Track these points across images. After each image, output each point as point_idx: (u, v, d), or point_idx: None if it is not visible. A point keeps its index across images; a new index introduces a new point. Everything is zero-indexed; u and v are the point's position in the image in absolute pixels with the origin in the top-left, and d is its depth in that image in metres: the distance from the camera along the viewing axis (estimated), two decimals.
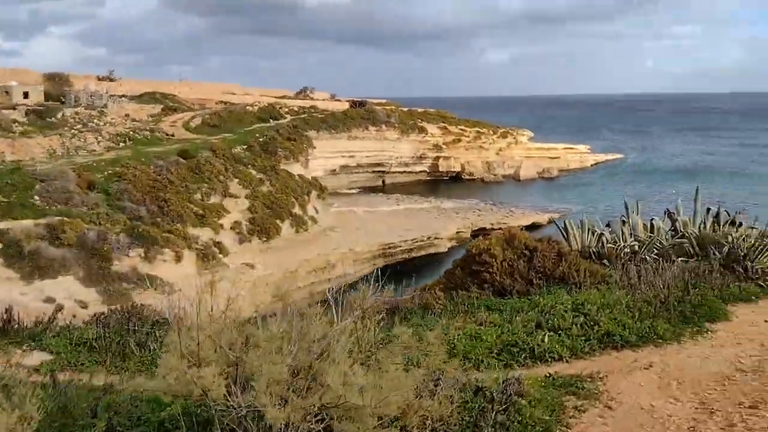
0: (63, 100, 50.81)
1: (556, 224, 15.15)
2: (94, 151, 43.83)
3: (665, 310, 9.42)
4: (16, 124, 43.20)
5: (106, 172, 40.26)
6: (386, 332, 5.22)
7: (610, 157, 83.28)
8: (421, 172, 73.31)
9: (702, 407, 6.22)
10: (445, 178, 73.73)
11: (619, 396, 6.34)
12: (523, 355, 7.57)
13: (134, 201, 39.10)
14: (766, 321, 10.14)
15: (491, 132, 76.35)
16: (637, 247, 14.03)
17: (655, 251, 13.98)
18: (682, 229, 14.51)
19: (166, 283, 34.92)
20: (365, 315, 4.45)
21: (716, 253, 13.04)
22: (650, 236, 14.28)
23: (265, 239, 44.63)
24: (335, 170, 65.12)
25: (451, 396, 4.32)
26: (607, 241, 14.23)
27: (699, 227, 14.40)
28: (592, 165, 79.38)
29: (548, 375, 6.73)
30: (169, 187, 41.53)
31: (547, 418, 5.10)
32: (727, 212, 14.96)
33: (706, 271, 12.18)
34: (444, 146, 72.64)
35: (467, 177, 73.70)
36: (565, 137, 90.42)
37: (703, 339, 8.87)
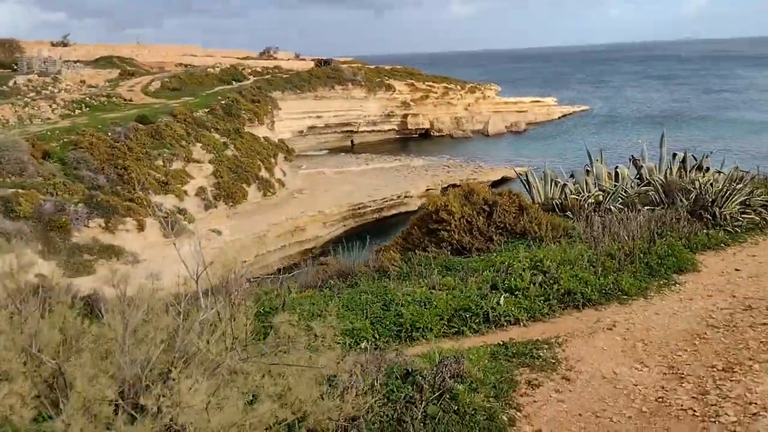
0: (15, 67, 48.48)
1: (519, 177, 14.38)
2: (49, 119, 41.98)
3: (630, 263, 8.73)
4: None
5: (61, 141, 38.57)
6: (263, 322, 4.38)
7: (576, 108, 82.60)
8: (390, 130, 72.02)
9: (671, 372, 5.53)
10: (414, 135, 72.54)
11: (578, 364, 5.63)
12: (477, 321, 6.83)
13: (92, 170, 37.59)
14: (736, 270, 9.52)
15: (459, 87, 75.02)
16: (601, 198, 13.32)
17: (620, 201, 13.31)
18: (647, 177, 13.82)
19: (130, 253, 33.81)
20: (236, 302, 3.59)
21: (683, 200, 12.38)
22: (615, 185, 13.58)
23: (231, 204, 43.47)
24: (303, 131, 63.59)
25: (372, 385, 3.51)
26: (571, 192, 13.51)
27: (665, 173, 13.73)
28: (559, 117, 78.68)
29: (501, 343, 5.99)
30: (129, 154, 39.99)
31: (491, 404, 4.33)
32: (694, 157, 14.29)
33: (673, 220, 11.54)
34: (412, 103, 71.28)
35: (436, 134, 72.59)
36: (532, 91, 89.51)
37: (671, 292, 8.21)
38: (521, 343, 6.02)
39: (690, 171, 13.65)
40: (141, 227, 34.90)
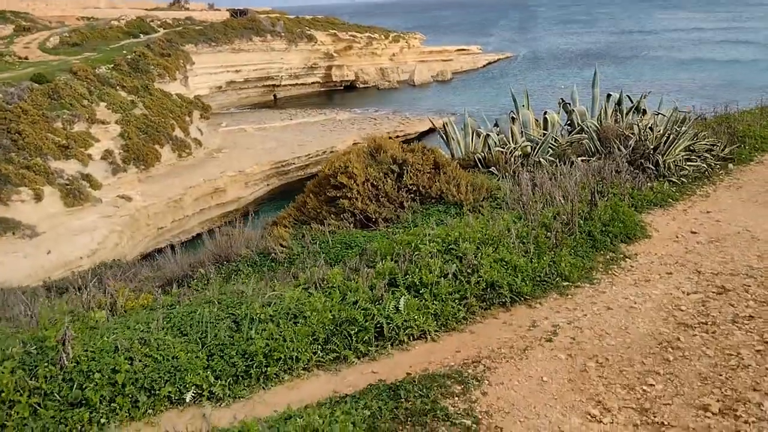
0: None
1: (437, 130, 12.24)
2: None
3: (569, 235, 6.78)
4: None
5: None
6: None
7: (501, 56, 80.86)
8: (314, 83, 68.69)
9: (645, 421, 3.59)
10: (339, 87, 69.52)
11: (508, 421, 3.63)
12: (366, 338, 4.73)
13: None
14: (693, 233, 7.71)
15: (383, 37, 71.98)
16: (529, 149, 11.36)
17: (551, 152, 11.38)
18: (579, 122, 11.91)
19: (27, 226, 30.34)
20: None
21: (621, 148, 10.53)
22: (543, 134, 11.64)
23: (143, 167, 39.92)
24: (221, 87, 59.65)
25: None
26: (495, 143, 11.48)
27: (598, 118, 11.84)
28: (484, 65, 76.82)
29: (391, 387, 3.92)
30: (23, 116, 35.84)
31: None
32: (630, 98, 12.45)
33: (613, 172, 9.67)
34: (335, 54, 67.99)
35: (362, 85, 69.76)
36: (457, 39, 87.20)
37: (621, 271, 6.29)
38: (421, 384, 3.97)
39: (626, 114, 11.84)
40: (38, 197, 31.33)
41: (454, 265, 5.49)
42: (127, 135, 40.14)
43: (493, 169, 10.71)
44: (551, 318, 5.07)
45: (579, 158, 10.77)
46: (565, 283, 5.76)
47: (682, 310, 5.18)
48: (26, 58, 43.77)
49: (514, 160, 11.09)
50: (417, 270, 5.45)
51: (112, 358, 4.17)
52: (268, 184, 45.58)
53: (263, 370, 4.31)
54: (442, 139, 11.80)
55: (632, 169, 9.97)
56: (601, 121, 11.77)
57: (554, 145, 11.64)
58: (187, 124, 45.54)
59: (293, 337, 4.56)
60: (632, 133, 10.95)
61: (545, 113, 11.91)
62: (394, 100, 64.82)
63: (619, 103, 12.02)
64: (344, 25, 71.04)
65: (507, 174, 10.50)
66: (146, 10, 59.32)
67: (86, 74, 42.10)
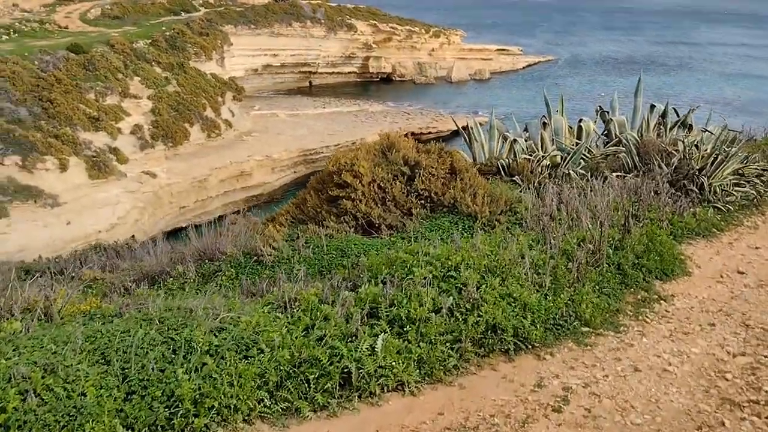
0: None
1: (460, 131, 11.17)
2: None
3: (594, 266, 5.71)
4: None
5: None
6: None
7: (542, 59, 78.72)
8: (350, 73, 67.66)
9: None
10: (375, 79, 68.37)
11: None
12: (329, 386, 3.76)
13: (13, 101, 33.14)
14: (740, 272, 6.57)
15: (423, 31, 70.52)
16: (559, 159, 10.24)
17: (582, 164, 10.24)
18: (617, 133, 10.74)
19: (49, 196, 29.96)
20: None
21: (662, 165, 9.37)
22: (576, 143, 10.50)
23: (171, 145, 39.40)
24: (257, 70, 58.94)
25: None
26: (522, 150, 10.38)
27: (640, 130, 10.66)
28: (524, 67, 74.87)
29: None
30: (57, 85, 35.51)
31: None
32: (676, 111, 11.22)
33: (651, 193, 8.53)
34: (374, 45, 66.82)
35: (398, 78, 68.50)
36: (498, 38, 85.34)
37: (655, 317, 5.20)
38: None
39: (671, 128, 10.65)
40: (63, 167, 30.92)
41: (451, 297, 4.48)
42: (158, 111, 39.64)
43: (517, 178, 9.62)
44: (563, 376, 4.05)
45: (614, 174, 9.63)
46: (585, 329, 4.72)
47: (727, 380, 4.11)
48: (66, 28, 43.58)
49: (542, 170, 9.99)
50: (405, 300, 4.45)
51: (1, 390, 3.27)
52: (294, 171, 44.82)
53: (189, 421, 3.37)
54: (465, 141, 10.74)
55: (673, 191, 8.81)
56: (641, 134, 10.58)
57: (587, 157, 10.50)
58: (219, 105, 44.94)
59: (236, 379, 3.61)
60: (676, 150, 9.76)
61: (580, 121, 10.76)
62: (429, 96, 63.55)
63: (663, 115, 10.83)
64: (385, 16, 69.79)
65: (531, 185, 9.41)
66: None
67: (123, 48, 41.70)
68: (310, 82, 65.04)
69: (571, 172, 9.53)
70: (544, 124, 11.16)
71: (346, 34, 64.70)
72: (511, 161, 9.88)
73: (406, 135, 41.70)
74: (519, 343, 4.38)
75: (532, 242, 5.75)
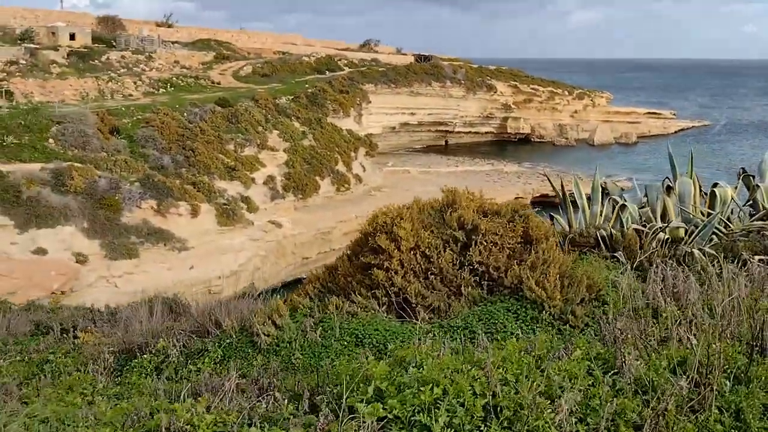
0: (114, 44, 47.28)
1: (556, 190, 9.06)
2: (131, 95, 39.97)
3: (694, 410, 3.50)
4: (55, 65, 39.79)
5: (134, 118, 36.24)
6: None
7: (696, 123, 72.71)
8: (487, 133, 66.25)
9: None
10: (513, 139, 66.37)
11: None
12: None
13: (159, 149, 34.97)
14: None
15: (566, 93, 67.88)
16: (683, 233, 7.82)
17: (715, 240, 7.75)
18: (765, 204, 8.13)
19: (178, 239, 30.70)
20: None
21: None
22: (708, 213, 8.02)
23: (301, 197, 39.68)
24: (395, 128, 59.22)
25: None
26: (633, 219, 8.07)
27: None
28: (675, 131, 69.42)
29: None
30: (200, 136, 37.16)
31: None
32: None
33: None
34: (514, 106, 65.13)
35: (537, 139, 66.03)
36: (648, 101, 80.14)
37: None
38: None
39: None
40: (195, 212, 31.72)
41: None
42: (292, 164, 40.27)
43: (620, 254, 7.35)
44: None
45: (756, 257, 7.08)
46: None
47: None
48: (219, 83, 46.05)
49: (656, 245, 7.64)
50: None
51: None
52: None
53: None
54: (560, 205, 8.64)
55: None
56: None
57: (722, 233, 7.98)
58: (351, 160, 45.07)
59: None
60: None
61: (715, 186, 8.28)
62: (568, 158, 60.40)
63: None
64: (527, 77, 68.04)
65: (642, 265, 7.12)
66: (337, 49, 60.89)
67: (266, 103, 43.21)
68: (446, 141, 64.37)
69: (695, 251, 7.11)
70: (668, 188, 8.76)
71: (486, 94, 63.63)
72: (614, 232, 7.64)
73: (539, 197, 38.99)
74: None
75: (592, 359, 3.65)
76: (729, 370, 3.90)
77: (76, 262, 27.20)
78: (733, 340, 4.31)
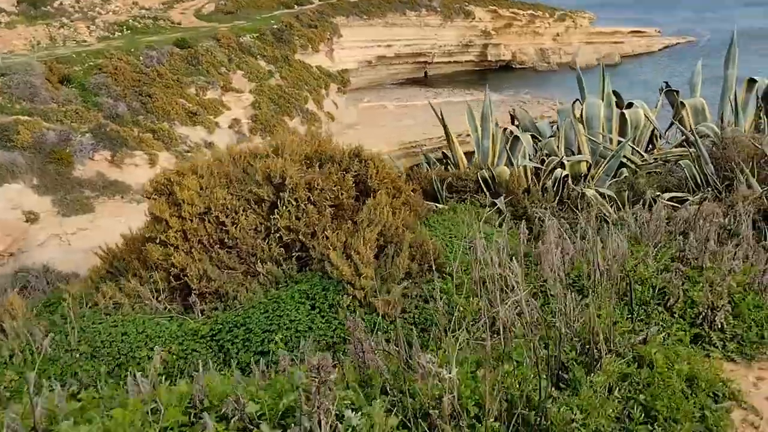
0: None
1: (443, 126, 7.42)
2: (85, 41, 37.56)
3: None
4: (3, 14, 37.24)
5: (86, 65, 34.02)
6: None
7: (681, 39, 69.51)
8: (468, 62, 63.39)
9: None
10: (494, 67, 63.58)
11: None
12: None
13: (113, 96, 32.89)
14: None
15: (547, 15, 64.55)
16: (584, 168, 6.26)
17: (624, 174, 6.20)
18: (690, 126, 6.53)
19: (136, 191, 29.13)
20: None
21: (753, 182, 5.20)
22: (614, 141, 6.44)
23: (269, 139, 37.69)
24: (371, 62, 56.45)
25: None
26: (528, 155, 6.48)
27: (724, 119, 6.37)
28: (660, 49, 66.47)
29: None
30: (157, 80, 35.01)
31: None
32: None
33: (711, 237, 4.50)
34: (493, 32, 62.00)
35: (518, 66, 63.26)
36: (633, 20, 76.59)
37: None
38: None
39: None
40: (153, 162, 30.01)
41: None
42: (258, 105, 38.27)
43: (500, 201, 5.83)
44: None
45: (667, 194, 5.54)
46: None
47: None
48: (179, 24, 43.45)
49: (553, 185, 6.09)
50: None
51: None
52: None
53: None
54: (447, 141, 7.05)
55: (757, 233, 4.67)
56: (728, 126, 6.30)
57: (636, 164, 6.41)
58: (322, 97, 42.94)
59: None
60: None
61: (627, 106, 6.64)
62: (550, 83, 58.01)
63: (766, 97, 6.44)
64: (506, 1, 64.62)
65: (534, 215, 5.60)
66: None
67: (229, 42, 40.70)
68: (425, 72, 61.72)
69: (587, 191, 5.56)
70: (579, 114, 7.12)
71: (464, 21, 60.55)
72: (496, 171, 6.08)
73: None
74: None
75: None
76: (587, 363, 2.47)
77: (26, 221, 25.75)
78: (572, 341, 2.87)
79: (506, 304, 3.66)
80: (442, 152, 7.58)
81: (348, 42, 51.51)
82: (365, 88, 55.34)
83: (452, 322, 3.50)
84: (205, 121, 35.27)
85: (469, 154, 7.89)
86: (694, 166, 5.59)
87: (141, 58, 35.84)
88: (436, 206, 6.11)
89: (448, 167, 6.89)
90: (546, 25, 63.70)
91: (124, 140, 29.97)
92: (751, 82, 6.75)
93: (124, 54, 35.32)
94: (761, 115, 6.40)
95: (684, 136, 6.26)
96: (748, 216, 4.79)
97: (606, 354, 2.82)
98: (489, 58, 62.52)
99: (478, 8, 61.33)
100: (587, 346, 2.95)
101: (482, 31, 61.58)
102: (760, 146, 5.53)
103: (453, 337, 3.09)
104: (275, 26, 44.15)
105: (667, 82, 7.47)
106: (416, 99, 53.41)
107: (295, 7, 50.81)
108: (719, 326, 3.66)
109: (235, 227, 4.56)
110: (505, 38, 62.62)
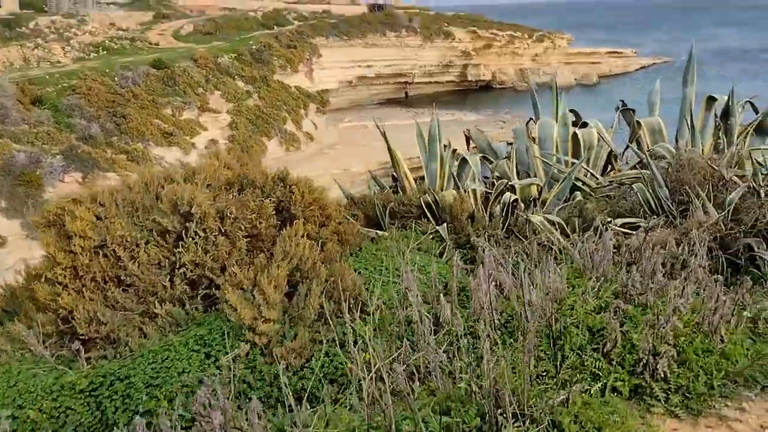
0: (45, 8, 43.91)
1: (389, 148, 7.01)
2: (59, 62, 36.98)
3: None
4: None
5: (59, 86, 33.42)
6: None
7: (657, 60, 70.21)
8: (448, 82, 63.48)
9: None
10: (474, 87, 63.75)
11: None
12: None
13: (86, 118, 32.26)
14: None
15: (526, 36, 64.94)
16: (535, 191, 5.83)
17: (578, 198, 5.77)
18: (646, 146, 6.14)
19: None
20: None
21: (708, 206, 4.79)
22: (566, 163, 6.04)
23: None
24: (351, 82, 56.31)
25: None
26: (476, 177, 6.05)
27: (680, 137, 5.99)
28: (636, 69, 66.98)
29: None
30: (133, 101, 34.46)
31: None
32: (754, 106, 6.41)
33: (655, 270, 4.05)
34: (473, 53, 62.17)
35: (498, 86, 63.43)
36: (611, 41, 77.35)
37: None
38: None
39: (740, 136, 5.92)
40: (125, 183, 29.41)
41: None
42: (236, 125, 37.82)
43: (443, 228, 5.37)
44: None
45: (620, 220, 5.11)
46: None
47: None
48: (157, 44, 43.01)
49: (502, 209, 5.65)
50: None
51: None
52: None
53: None
54: (392, 164, 6.62)
55: (725, 258, 4.24)
56: (686, 146, 5.91)
57: (589, 187, 5.98)
58: (301, 118, 42.56)
59: None
60: (739, 177, 5.09)
61: (582, 125, 6.26)
62: (529, 103, 57.89)
63: (726, 114, 6.08)
64: (486, 22, 64.98)
65: (477, 244, 5.13)
66: (286, 2, 57.35)
67: (206, 62, 40.30)
68: (406, 93, 61.66)
69: (534, 218, 5.12)
70: (532, 136, 6.72)
71: (444, 42, 60.71)
72: (440, 196, 5.62)
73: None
74: None
75: None
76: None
77: None
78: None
79: (419, 353, 3.20)
80: (392, 175, 7.14)
81: (328, 62, 51.33)
82: (346, 108, 55.13)
83: (353, 375, 3.02)
84: (181, 141, 34.73)
85: (422, 178, 7.47)
86: (648, 190, 5.19)
87: (116, 78, 35.31)
88: (377, 233, 5.65)
89: (397, 191, 6.45)
90: (525, 46, 64.05)
91: (96, 161, 29.33)
92: (711, 100, 6.40)
93: (98, 75, 34.77)
94: (720, 134, 6.04)
95: (646, 153, 5.89)
96: (703, 244, 4.36)
97: (513, 422, 2.34)
98: (469, 78, 62.65)
99: (457, 29, 61.58)
100: (495, 410, 2.48)
101: (462, 51, 61.76)
102: (717, 168, 5.13)
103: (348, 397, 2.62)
104: (254, 47, 43.87)
105: (623, 101, 7.10)
106: (396, 119, 53.22)
107: (275, 27, 50.62)
108: (662, 375, 3.19)
109: (134, 262, 4.06)
110: (485, 59, 62.85)
